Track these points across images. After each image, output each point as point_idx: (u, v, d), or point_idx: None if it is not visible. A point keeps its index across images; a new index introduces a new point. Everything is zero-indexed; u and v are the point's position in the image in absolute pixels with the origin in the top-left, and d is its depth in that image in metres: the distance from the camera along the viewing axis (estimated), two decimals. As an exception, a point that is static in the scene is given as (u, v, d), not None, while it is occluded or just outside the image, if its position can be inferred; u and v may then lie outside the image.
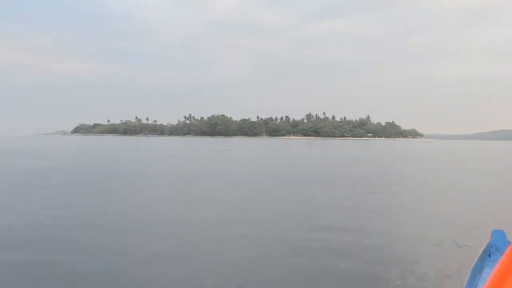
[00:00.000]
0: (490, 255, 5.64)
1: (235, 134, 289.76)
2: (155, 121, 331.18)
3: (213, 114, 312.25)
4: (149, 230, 9.35)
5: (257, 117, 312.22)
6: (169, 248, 7.93)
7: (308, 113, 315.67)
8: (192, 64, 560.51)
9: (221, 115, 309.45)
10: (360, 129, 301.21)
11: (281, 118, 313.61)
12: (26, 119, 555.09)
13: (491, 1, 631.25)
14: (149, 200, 13.58)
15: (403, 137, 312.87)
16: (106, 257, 7.32)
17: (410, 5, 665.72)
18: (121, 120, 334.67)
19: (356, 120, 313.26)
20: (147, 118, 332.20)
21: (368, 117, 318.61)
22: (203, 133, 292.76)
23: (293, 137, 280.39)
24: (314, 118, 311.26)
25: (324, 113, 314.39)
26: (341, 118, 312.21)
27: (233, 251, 7.84)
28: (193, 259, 7.31)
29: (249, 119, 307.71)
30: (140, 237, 8.78)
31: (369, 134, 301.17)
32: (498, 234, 5.73)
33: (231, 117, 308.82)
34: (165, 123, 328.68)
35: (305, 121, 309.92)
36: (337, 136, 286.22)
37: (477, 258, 5.11)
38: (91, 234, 8.84)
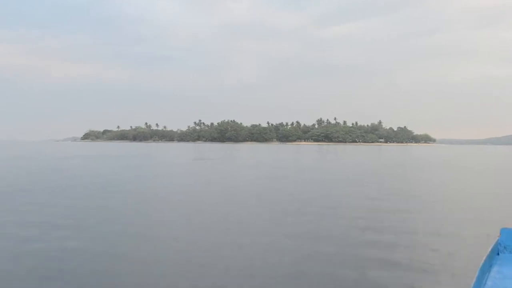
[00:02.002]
0: (498, 253, 5.74)
1: (245, 140, 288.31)
2: (164, 127, 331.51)
3: (223, 119, 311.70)
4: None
5: (268, 123, 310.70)
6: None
7: (319, 118, 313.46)
8: (202, 68, 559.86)
9: (231, 121, 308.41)
10: (372, 134, 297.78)
11: (292, 124, 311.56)
12: (39, 125, 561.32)
13: (507, 1, 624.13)
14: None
15: (416, 142, 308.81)
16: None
17: (423, 6, 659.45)
18: (131, 126, 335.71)
19: (367, 125, 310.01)
20: (156, 124, 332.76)
21: (380, 122, 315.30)
22: (213, 139, 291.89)
23: (304, 142, 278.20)
24: (325, 124, 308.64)
25: (335, 118, 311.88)
26: (352, 123, 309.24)
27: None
28: None
29: (259, 124, 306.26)
30: None
31: (381, 140, 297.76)
32: (507, 232, 5.82)
33: (241, 123, 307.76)
34: (174, 129, 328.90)
35: (316, 126, 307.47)
36: (349, 142, 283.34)
37: (485, 256, 5.09)
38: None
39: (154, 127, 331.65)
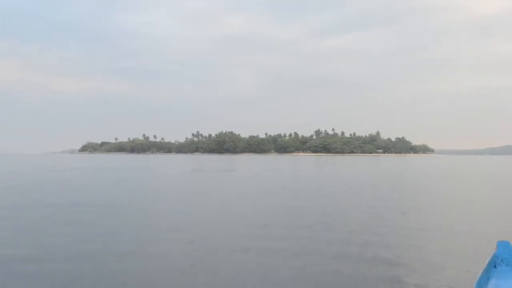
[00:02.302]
0: (495, 266, 5.71)
1: (243, 151, 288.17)
2: (162, 138, 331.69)
3: (221, 131, 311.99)
4: None
5: (266, 134, 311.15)
6: None
7: (317, 129, 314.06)
8: (200, 80, 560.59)
9: (229, 132, 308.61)
10: (370, 145, 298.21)
11: (290, 135, 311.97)
12: (37, 138, 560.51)
13: (501, 12, 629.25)
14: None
15: (414, 152, 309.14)
16: None
17: (419, 18, 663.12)
18: (129, 138, 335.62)
19: (365, 136, 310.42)
20: (154, 136, 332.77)
21: (378, 132, 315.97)
22: (211, 151, 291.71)
23: (302, 154, 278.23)
24: (323, 135, 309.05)
25: (333, 129, 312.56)
26: (350, 134, 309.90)
27: None
28: None
29: (257, 136, 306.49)
30: None
31: (379, 150, 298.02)
32: (504, 245, 5.81)
33: (239, 134, 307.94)
34: (172, 141, 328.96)
35: (314, 137, 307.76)
36: (347, 153, 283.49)
37: (482, 269, 5.15)
38: None
39: (152, 139, 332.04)
